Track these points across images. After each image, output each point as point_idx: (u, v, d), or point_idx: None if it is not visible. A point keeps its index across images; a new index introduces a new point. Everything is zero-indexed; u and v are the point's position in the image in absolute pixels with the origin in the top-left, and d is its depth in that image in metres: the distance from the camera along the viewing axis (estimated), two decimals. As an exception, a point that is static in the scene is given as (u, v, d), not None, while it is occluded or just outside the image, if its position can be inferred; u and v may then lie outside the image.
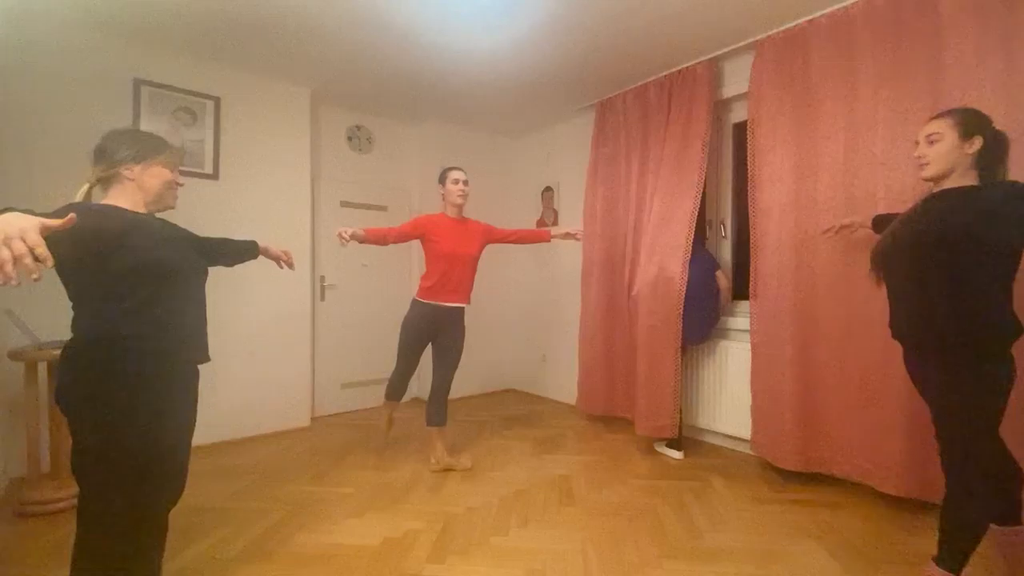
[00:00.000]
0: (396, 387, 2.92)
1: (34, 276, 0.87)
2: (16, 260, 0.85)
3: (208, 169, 3.12)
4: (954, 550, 1.53)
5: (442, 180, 2.74)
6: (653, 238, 3.11)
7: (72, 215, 0.96)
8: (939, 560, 1.55)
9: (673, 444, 2.96)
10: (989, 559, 1.64)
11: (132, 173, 1.31)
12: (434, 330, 2.72)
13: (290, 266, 1.90)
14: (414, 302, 2.71)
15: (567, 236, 2.97)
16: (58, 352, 2.24)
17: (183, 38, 2.86)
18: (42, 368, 2.36)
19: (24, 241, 0.86)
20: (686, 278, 2.89)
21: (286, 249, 1.90)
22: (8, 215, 0.90)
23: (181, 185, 1.43)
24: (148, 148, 1.34)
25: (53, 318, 2.34)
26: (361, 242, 2.45)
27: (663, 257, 3.02)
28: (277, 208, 3.43)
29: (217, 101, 3.18)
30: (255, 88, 3.33)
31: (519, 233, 2.98)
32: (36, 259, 0.87)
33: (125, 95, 2.88)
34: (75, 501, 2.24)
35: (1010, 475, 1.64)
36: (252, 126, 3.32)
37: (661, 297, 2.99)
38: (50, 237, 0.91)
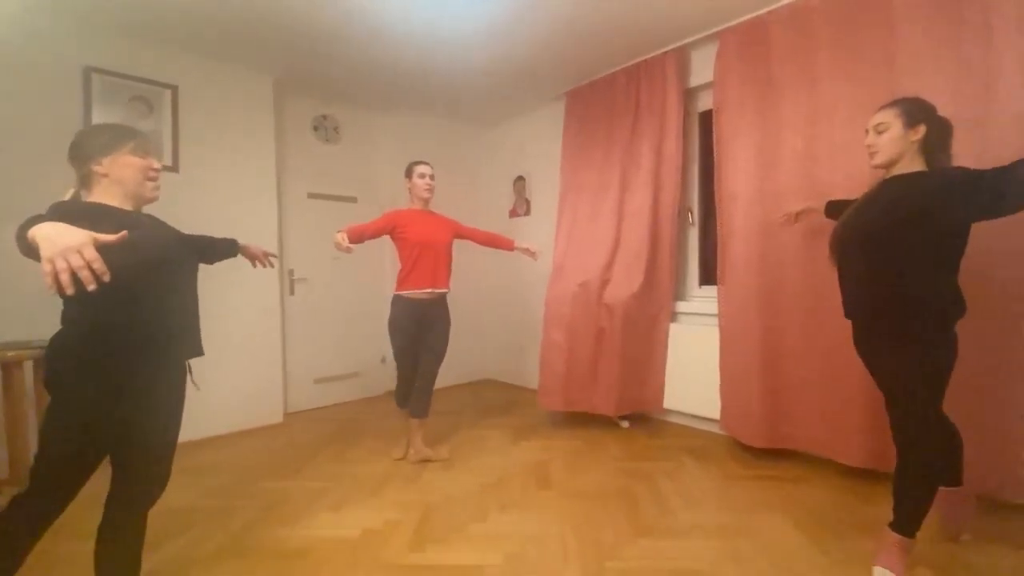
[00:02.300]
0: (405, 392, 2.81)
1: (91, 287, 0.93)
2: (74, 272, 0.91)
3: (167, 161, 3.00)
4: (908, 515, 1.62)
5: (408, 174, 2.74)
6: (639, 228, 3.17)
7: (124, 232, 1.03)
8: (895, 525, 1.65)
9: (623, 416, 3.28)
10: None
11: (102, 168, 1.27)
12: (421, 324, 2.69)
13: (269, 265, 1.90)
14: (395, 299, 2.68)
15: (526, 252, 2.99)
16: (12, 355, 2.16)
17: (136, 23, 2.73)
18: (-6, 371, 2.26)
19: (82, 255, 0.92)
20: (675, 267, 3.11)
21: (266, 249, 1.89)
22: (59, 226, 0.95)
23: (158, 171, 1.37)
24: (114, 138, 1.29)
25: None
26: (352, 251, 2.43)
27: (651, 246, 3.13)
28: (242, 201, 3.33)
29: (175, 90, 3.06)
30: (214, 76, 3.22)
31: (485, 235, 2.98)
32: (93, 273, 0.93)
33: (74, 84, 2.74)
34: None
35: (955, 444, 1.79)
36: (212, 116, 3.21)
37: (657, 285, 3.15)
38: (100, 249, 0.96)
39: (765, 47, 2.64)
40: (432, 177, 2.73)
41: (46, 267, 0.90)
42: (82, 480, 1.23)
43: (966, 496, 1.86)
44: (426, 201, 2.74)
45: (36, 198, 1.32)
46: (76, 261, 0.91)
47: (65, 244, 0.91)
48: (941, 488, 1.80)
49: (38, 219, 1.00)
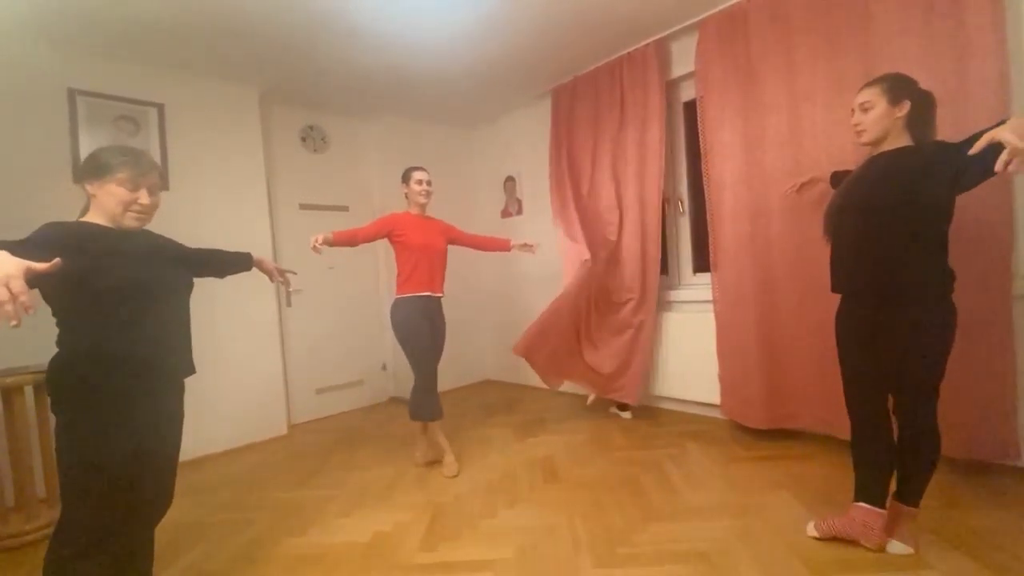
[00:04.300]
0: (430, 398, 2.62)
1: (13, 323, 0.89)
2: None
3: (157, 179, 3.00)
4: (914, 486, 1.65)
5: (406, 180, 2.73)
6: (627, 220, 3.21)
7: (57, 260, 0.99)
8: (900, 497, 1.67)
9: (623, 406, 3.31)
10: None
11: (92, 188, 1.28)
12: (428, 320, 2.67)
13: (284, 283, 1.91)
14: (398, 301, 2.64)
15: (524, 248, 3.00)
16: (12, 380, 2.15)
17: (119, 43, 2.73)
18: (-5, 398, 2.25)
19: (8, 288, 0.88)
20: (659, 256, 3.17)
21: (280, 266, 1.90)
22: None
23: (144, 205, 1.32)
24: (103, 165, 1.28)
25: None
26: (331, 245, 2.43)
27: (643, 238, 3.16)
28: (234, 215, 3.33)
29: (160, 108, 3.06)
30: (200, 92, 3.22)
31: (479, 239, 2.99)
32: (22, 306, 0.89)
33: (59, 107, 2.74)
34: (45, 532, 2.17)
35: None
36: (200, 132, 3.21)
37: (647, 274, 3.18)
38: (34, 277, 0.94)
39: (744, 34, 2.68)
40: (429, 183, 2.73)
41: None
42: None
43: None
44: (423, 206, 2.74)
45: (26, 221, 1.32)
46: (1, 294, 0.87)
47: None
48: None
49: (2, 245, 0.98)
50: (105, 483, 1.18)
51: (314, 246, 2.35)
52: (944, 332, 1.57)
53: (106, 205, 1.29)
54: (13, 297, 0.88)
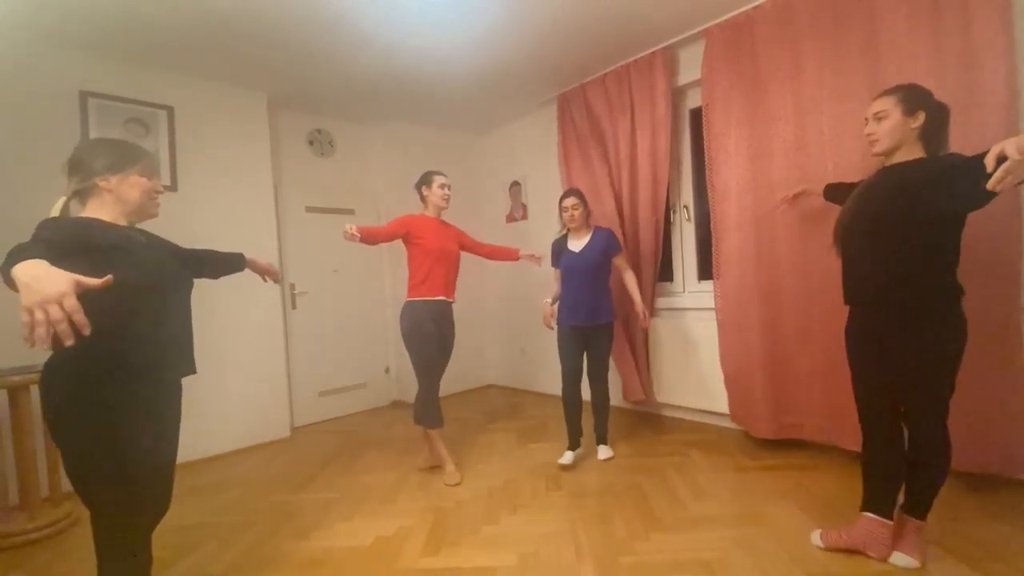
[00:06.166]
0: (431, 407, 2.61)
1: (69, 342, 0.86)
2: (52, 325, 0.83)
3: (165, 181, 3.03)
4: (922, 499, 1.63)
5: (427, 183, 2.70)
6: (635, 225, 3.22)
7: (110, 277, 0.95)
8: (908, 510, 1.65)
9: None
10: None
11: (109, 184, 1.27)
12: (438, 327, 2.65)
13: (275, 280, 1.86)
14: (408, 305, 2.62)
15: (531, 259, 2.99)
16: (18, 379, 2.16)
17: (130, 47, 2.76)
18: (1, 396, 2.26)
19: (62, 306, 0.84)
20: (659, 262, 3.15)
21: (271, 262, 1.85)
22: (40, 269, 0.87)
23: (161, 192, 1.39)
24: (124, 157, 1.30)
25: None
26: (358, 240, 2.37)
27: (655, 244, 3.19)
28: (241, 217, 3.36)
29: (170, 111, 3.09)
30: (209, 95, 3.25)
31: (490, 248, 2.99)
32: (74, 325, 0.85)
33: (71, 109, 2.77)
34: (48, 530, 2.18)
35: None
36: (209, 135, 3.24)
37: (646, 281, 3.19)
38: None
39: (750, 42, 2.68)
40: (450, 188, 2.74)
41: (24, 317, 0.83)
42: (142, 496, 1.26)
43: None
44: (441, 210, 2.74)
45: (36, 221, 1.32)
46: (55, 314, 0.83)
47: (45, 293, 0.84)
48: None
49: (25, 248, 0.95)
50: (110, 489, 1.18)
51: (352, 232, 2.31)
52: (952, 345, 1.55)
53: (128, 197, 1.29)
54: (67, 315, 0.85)
